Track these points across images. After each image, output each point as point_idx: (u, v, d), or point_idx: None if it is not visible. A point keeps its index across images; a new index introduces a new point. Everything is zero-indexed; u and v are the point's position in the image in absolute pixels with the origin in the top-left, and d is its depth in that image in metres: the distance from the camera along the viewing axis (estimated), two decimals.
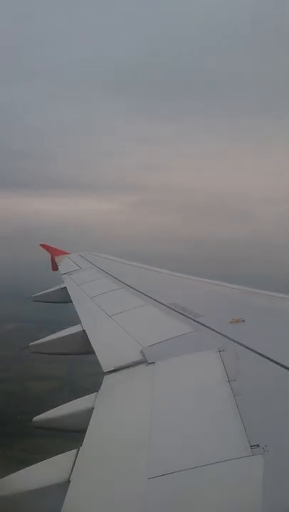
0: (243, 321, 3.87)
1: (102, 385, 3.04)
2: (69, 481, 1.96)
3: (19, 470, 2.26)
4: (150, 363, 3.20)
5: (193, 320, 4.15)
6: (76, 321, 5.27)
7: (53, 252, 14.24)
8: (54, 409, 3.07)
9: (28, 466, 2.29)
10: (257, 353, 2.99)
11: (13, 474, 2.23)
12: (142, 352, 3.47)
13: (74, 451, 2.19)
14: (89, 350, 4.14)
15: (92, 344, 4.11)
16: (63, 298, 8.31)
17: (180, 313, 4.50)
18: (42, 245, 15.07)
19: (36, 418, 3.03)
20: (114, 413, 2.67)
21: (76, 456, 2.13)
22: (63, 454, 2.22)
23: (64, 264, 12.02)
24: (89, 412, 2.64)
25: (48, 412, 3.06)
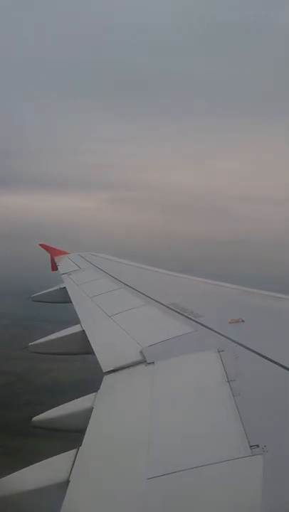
0: (243, 321, 3.87)
1: (102, 384, 3.04)
2: (68, 481, 1.96)
3: (18, 470, 2.26)
4: (150, 363, 3.20)
5: (193, 320, 4.15)
6: (76, 321, 5.27)
7: (53, 252, 14.22)
8: (53, 409, 3.07)
9: (27, 466, 2.29)
10: (256, 353, 2.98)
11: (12, 474, 2.23)
12: (141, 352, 3.46)
13: (73, 451, 2.19)
14: (88, 350, 4.14)
15: (91, 344, 4.11)
16: (63, 298, 8.30)
17: (180, 313, 4.49)
18: (41, 245, 15.04)
19: (36, 418, 3.03)
20: (113, 413, 2.67)
21: (75, 456, 2.13)
22: (62, 454, 2.22)
23: (63, 264, 12.01)
24: (88, 411, 2.64)
25: (47, 411, 3.05)
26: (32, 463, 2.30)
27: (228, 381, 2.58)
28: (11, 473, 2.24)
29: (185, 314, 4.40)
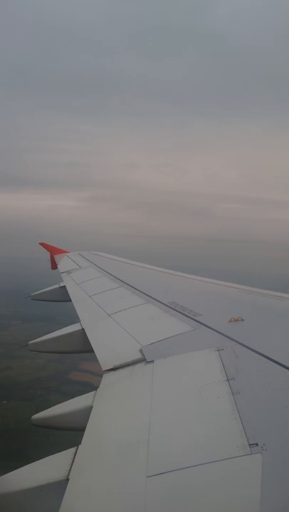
0: (243, 320, 3.87)
1: (101, 383, 3.05)
2: (68, 479, 1.97)
3: (18, 468, 2.27)
4: (149, 362, 3.20)
5: (193, 319, 4.15)
6: (75, 319, 5.28)
7: (53, 251, 14.26)
8: (53, 407, 3.07)
9: (27, 464, 2.30)
10: (256, 352, 2.98)
11: (12, 472, 2.24)
12: (140, 350, 3.47)
13: (73, 449, 2.20)
14: (88, 349, 4.14)
15: (91, 343, 4.12)
16: (62, 296, 8.32)
17: (179, 312, 4.50)
18: (41, 244, 15.08)
19: (35, 416, 3.03)
20: (113, 411, 2.67)
21: (75, 454, 2.14)
22: (62, 452, 2.23)
23: (63, 262, 12.03)
24: (88, 410, 2.65)
25: (47, 410, 3.06)
26: (32, 461, 2.31)
27: (228, 380, 2.59)
28: (10, 471, 2.24)
29: (185, 313, 4.40)
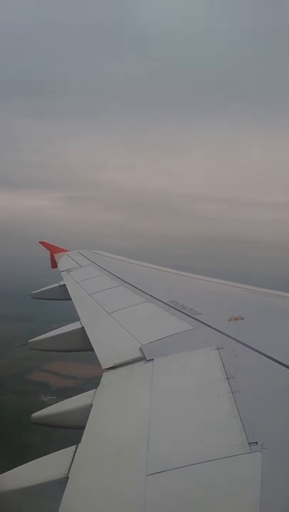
0: (243, 318, 3.87)
1: (101, 381, 3.05)
2: (67, 478, 1.96)
3: (17, 466, 2.26)
4: (149, 360, 3.20)
5: (193, 318, 4.15)
6: (75, 318, 5.28)
7: (53, 250, 14.26)
8: (53, 405, 3.07)
9: (26, 462, 2.30)
10: (256, 350, 2.98)
11: (11, 471, 2.24)
12: (140, 349, 3.47)
13: (72, 447, 2.19)
14: (88, 347, 4.14)
15: (91, 341, 4.12)
16: (62, 295, 8.32)
17: (179, 310, 4.50)
18: (41, 242, 15.07)
19: (35, 414, 3.03)
20: (112, 410, 2.67)
21: (75, 453, 2.14)
22: (62, 450, 2.23)
23: (63, 261, 12.03)
24: (88, 408, 2.64)
25: (46, 408, 3.06)
26: (31, 459, 2.31)
27: (227, 378, 2.58)
28: (9, 469, 2.24)
29: (184, 312, 4.40)
